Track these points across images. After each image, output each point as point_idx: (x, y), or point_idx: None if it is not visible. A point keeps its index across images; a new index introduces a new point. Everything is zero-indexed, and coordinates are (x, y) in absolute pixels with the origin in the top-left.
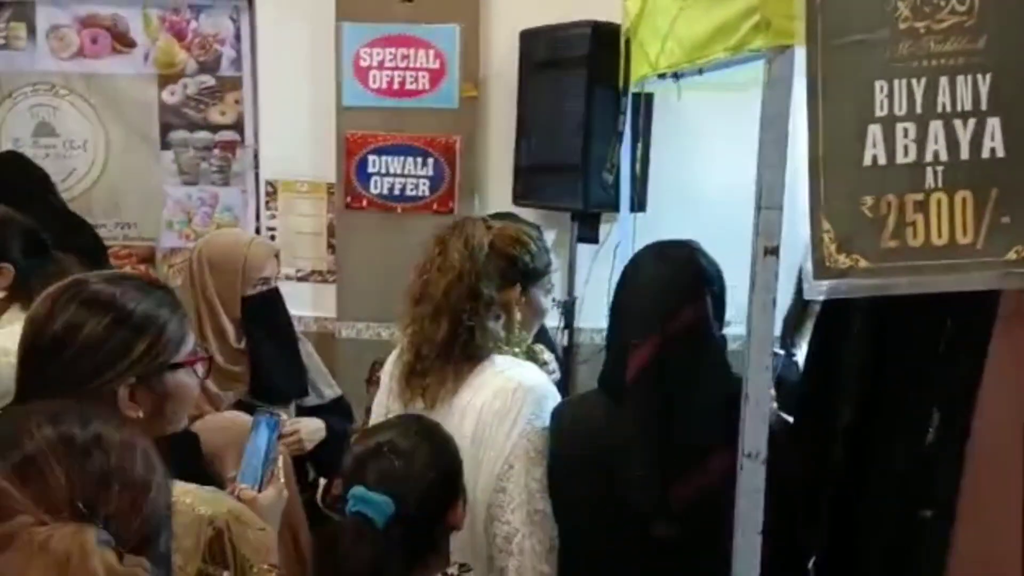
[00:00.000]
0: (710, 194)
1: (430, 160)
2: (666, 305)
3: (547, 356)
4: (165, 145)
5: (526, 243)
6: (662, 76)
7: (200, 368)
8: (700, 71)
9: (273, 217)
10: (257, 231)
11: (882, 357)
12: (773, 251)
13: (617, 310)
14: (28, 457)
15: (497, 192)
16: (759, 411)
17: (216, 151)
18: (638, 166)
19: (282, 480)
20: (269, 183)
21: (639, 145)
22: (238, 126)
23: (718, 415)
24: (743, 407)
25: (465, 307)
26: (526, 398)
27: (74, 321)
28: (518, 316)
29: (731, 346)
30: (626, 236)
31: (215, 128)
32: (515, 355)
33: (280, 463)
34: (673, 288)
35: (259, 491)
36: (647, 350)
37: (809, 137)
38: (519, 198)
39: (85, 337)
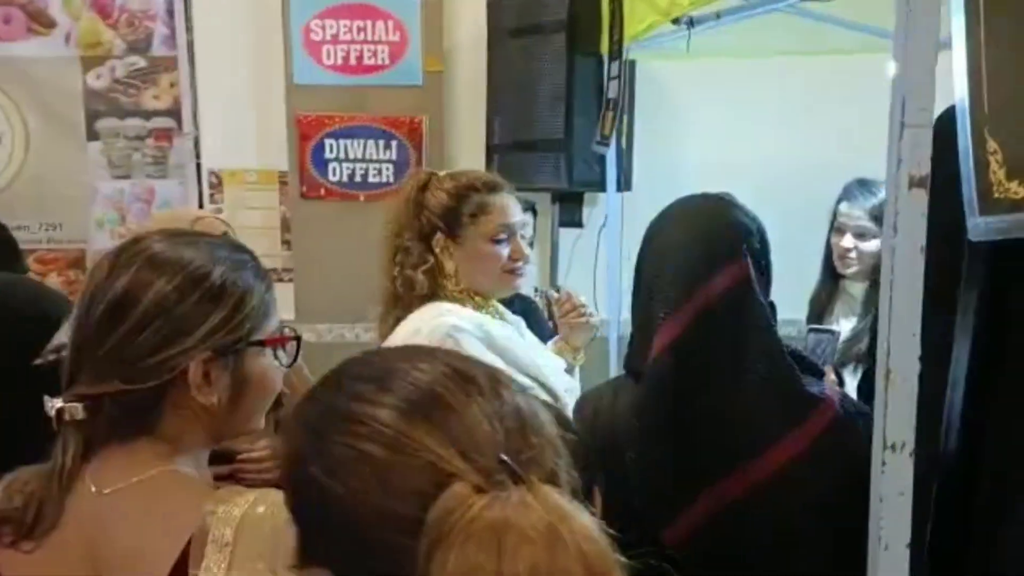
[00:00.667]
0: (698, 172)
1: (394, 142)
2: (698, 268)
3: (510, 318)
4: (92, 135)
5: (447, 188)
6: (675, 21)
7: (288, 351)
8: (718, 15)
9: (219, 212)
10: None
11: None
12: (921, 183)
13: (640, 281)
14: (435, 397)
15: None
16: (906, 390)
17: (150, 140)
18: (623, 140)
19: None
20: (213, 174)
21: (623, 118)
22: (174, 111)
23: (763, 405)
24: (882, 385)
25: (394, 260)
26: (425, 339)
27: (139, 280)
28: (450, 265)
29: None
30: (613, 217)
31: (148, 115)
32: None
33: None
34: (705, 247)
35: None
36: (677, 323)
37: (966, 27)
38: None
39: (152, 299)
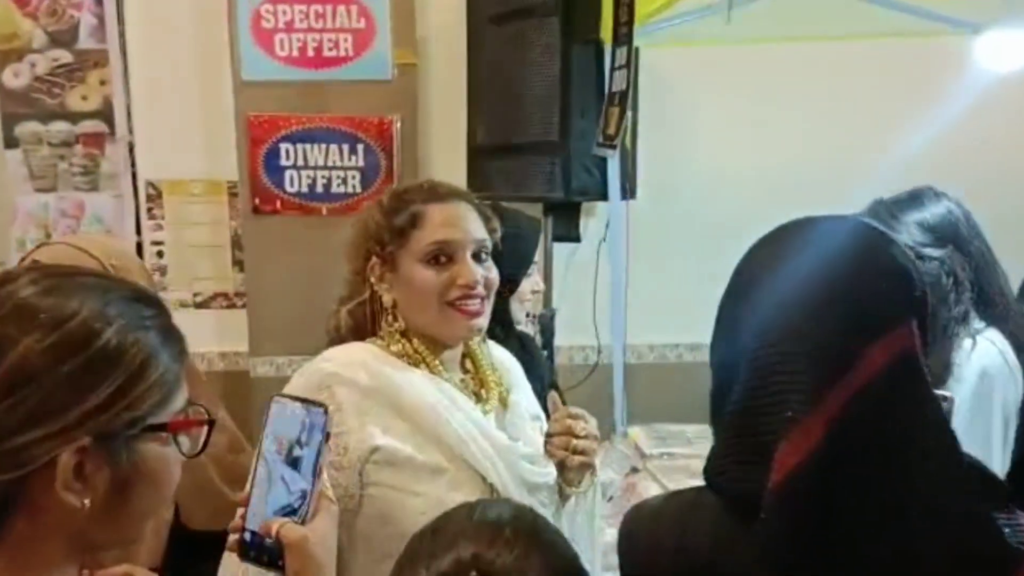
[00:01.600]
0: (711, 178)
1: (360, 147)
2: (847, 341)
3: (499, 372)
4: (10, 142)
5: (382, 201)
6: None
7: (192, 437)
8: None
9: (159, 228)
10: (138, 248)
11: None
12: None
13: (737, 353)
14: None
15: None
16: None
17: (79, 147)
18: (627, 141)
19: (330, 493)
20: (151, 184)
21: (626, 115)
22: (106, 114)
23: (953, 553)
24: None
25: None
26: (301, 390)
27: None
28: (387, 298)
29: None
30: (618, 230)
31: (76, 117)
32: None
33: (325, 476)
34: (855, 308)
35: (305, 522)
36: (816, 424)
37: None
38: (476, 190)
39: (15, 362)
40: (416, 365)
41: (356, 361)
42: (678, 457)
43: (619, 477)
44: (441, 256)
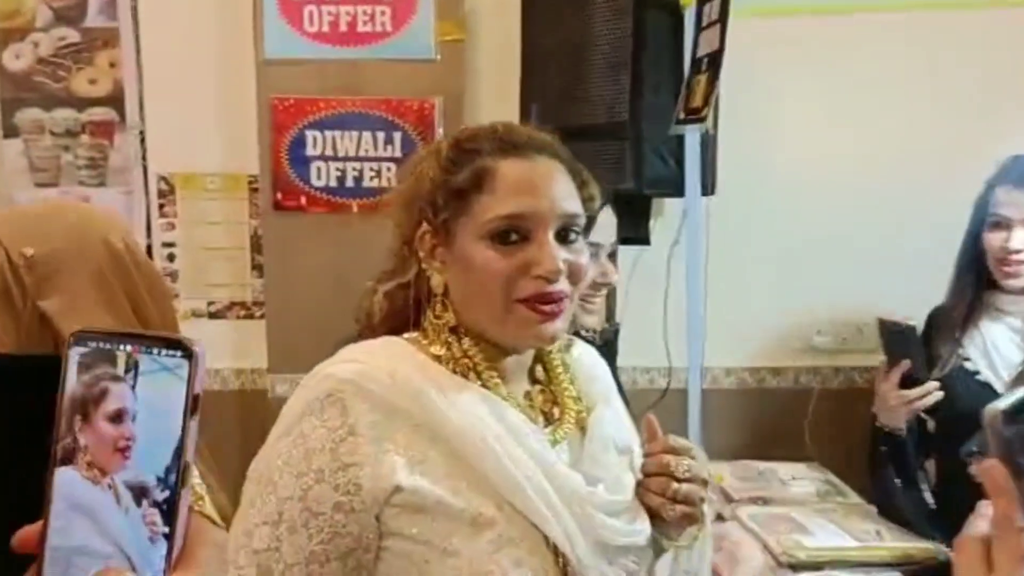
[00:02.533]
0: (799, 168)
1: (397, 135)
2: None
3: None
4: (10, 131)
5: (442, 149)
6: None
7: None
8: None
9: (171, 228)
10: (148, 250)
11: None
12: None
13: None
14: None
15: None
16: None
17: (85, 136)
18: (710, 124)
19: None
20: (163, 179)
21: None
22: (116, 100)
23: None
24: None
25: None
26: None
27: None
28: (436, 279)
29: None
30: (696, 231)
31: (82, 104)
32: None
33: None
34: None
35: None
36: None
37: None
38: None
39: None
40: (464, 374)
41: (382, 366)
42: (774, 503)
43: None
44: (512, 233)
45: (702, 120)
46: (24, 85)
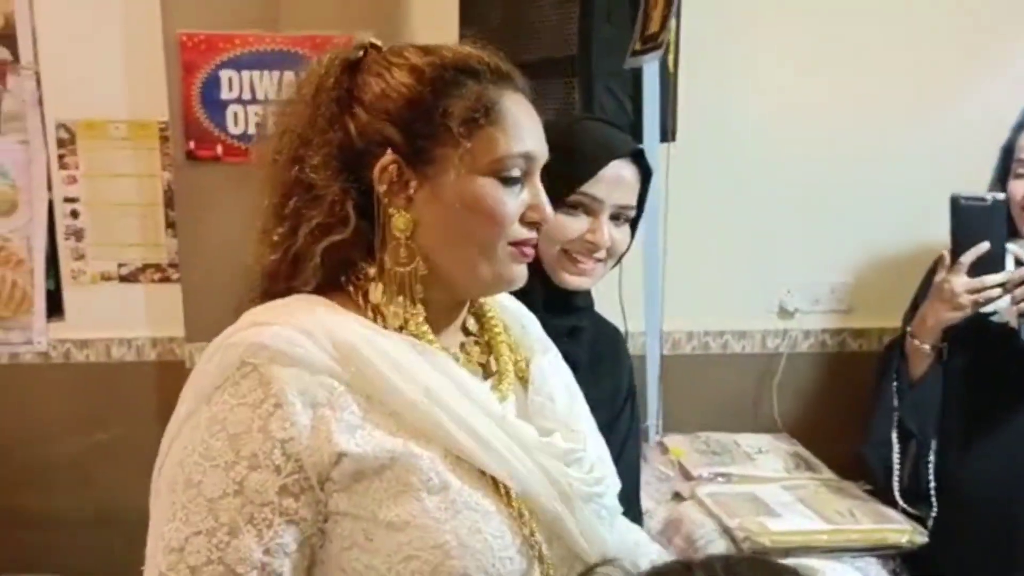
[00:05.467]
0: (770, 115)
1: None
2: None
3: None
4: None
5: (413, 63)
6: None
7: None
8: None
9: (73, 181)
10: (50, 207)
11: None
12: None
13: None
14: None
15: None
16: None
17: None
18: (671, 61)
19: None
20: (63, 126)
21: (669, 35)
22: (7, 38)
23: None
24: None
25: (281, 214)
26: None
27: None
28: (401, 219)
29: None
30: (654, 183)
31: None
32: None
33: None
34: None
35: None
36: None
37: None
38: None
39: None
40: (397, 329)
41: (297, 324)
42: (737, 480)
43: (658, 507)
44: (517, 172)
45: (659, 47)
46: None
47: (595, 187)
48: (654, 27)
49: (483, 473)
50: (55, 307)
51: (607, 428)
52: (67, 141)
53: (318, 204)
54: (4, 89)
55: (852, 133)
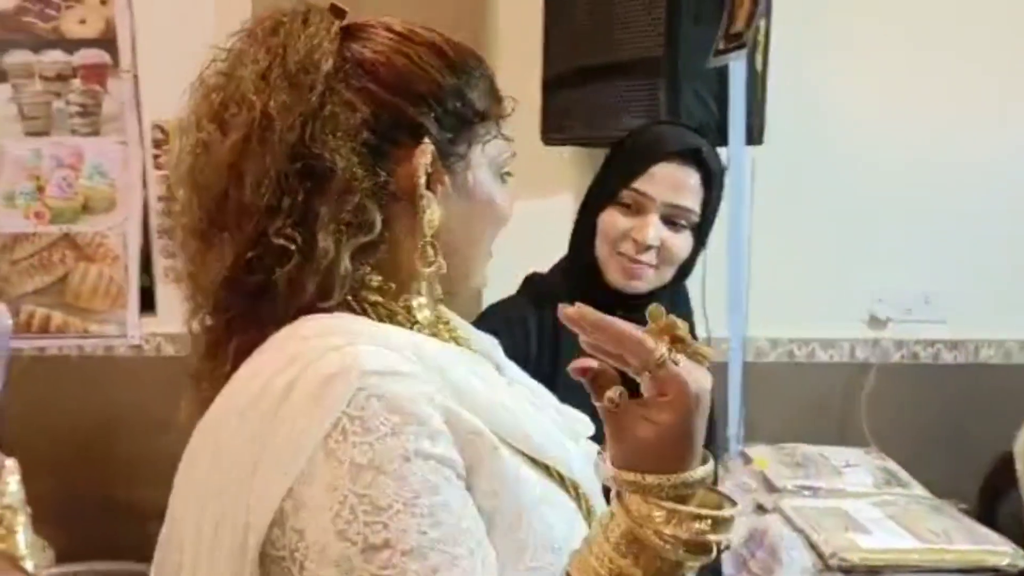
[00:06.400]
0: (867, 117)
1: None
2: None
3: (476, 341)
4: None
5: (435, 42)
6: None
7: None
8: None
9: (167, 180)
10: (144, 207)
11: None
12: None
13: None
14: None
15: (516, 125)
16: None
17: (77, 81)
18: (759, 60)
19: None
20: (159, 127)
21: (757, 35)
22: (108, 41)
23: None
24: None
25: (272, 202)
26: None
27: None
28: (433, 213)
29: None
30: (740, 186)
31: (73, 46)
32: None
33: None
34: None
35: None
36: None
37: None
38: (554, 132)
39: None
40: (436, 335)
41: (376, 338)
42: (824, 494)
43: (740, 518)
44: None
45: (743, 46)
46: (11, 25)
47: (645, 184)
48: (740, 25)
49: (548, 470)
50: (148, 302)
51: None
52: (162, 141)
53: (339, 200)
54: (104, 92)
55: (952, 135)
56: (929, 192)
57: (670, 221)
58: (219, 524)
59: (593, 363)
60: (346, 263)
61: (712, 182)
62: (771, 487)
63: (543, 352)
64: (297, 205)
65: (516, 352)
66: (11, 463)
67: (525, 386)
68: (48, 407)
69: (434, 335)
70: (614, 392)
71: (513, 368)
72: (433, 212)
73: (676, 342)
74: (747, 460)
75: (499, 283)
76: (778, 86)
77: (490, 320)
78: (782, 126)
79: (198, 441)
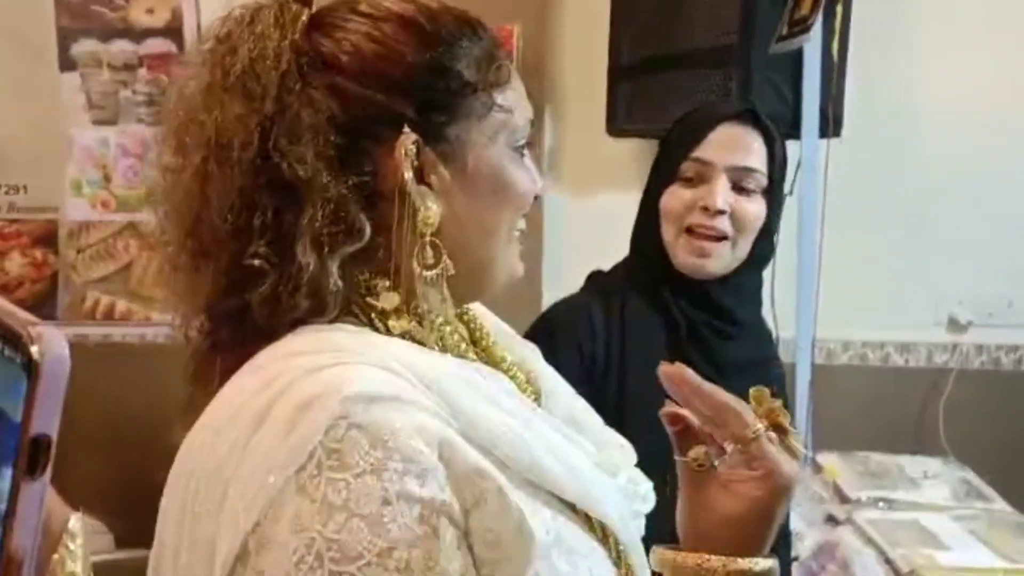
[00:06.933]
0: (945, 114)
1: None
2: None
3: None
4: (67, 64)
5: (404, 17)
6: None
7: None
8: None
9: None
10: None
11: None
12: None
13: None
14: None
15: (582, 112)
16: None
17: (143, 71)
18: (835, 47)
19: None
20: None
21: (834, 22)
22: (174, 30)
23: None
24: None
25: (242, 223)
26: (315, 410)
27: None
28: (432, 210)
29: None
30: (812, 180)
31: (140, 34)
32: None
33: None
34: None
35: None
36: None
37: None
38: (619, 121)
39: None
40: (452, 350)
41: (369, 357)
42: (900, 506)
43: (810, 530)
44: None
45: (806, 31)
46: (80, 15)
47: (704, 150)
48: (804, 9)
49: (574, 508)
50: None
51: None
52: None
53: (312, 210)
54: (171, 81)
55: None
56: (1015, 191)
57: (738, 186)
58: (191, 553)
59: (686, 414)
60: (335, 276)
61: (773, 141)
62: (844, 498)
63: (610, 345)
64: (268, 223)
65: (580, 344)
66: (75, 522)
67: (561, 408)
68: (112, 393)
69: (447, 347)
70: (702, 453)
71: (552, 379)
72: (428, 208)
73: (775, 428)
74: (817, 468)
75: (562, 280)
76: (857, 77)
77: (552, 314)
78: (859, 118)
79: (179, 463)
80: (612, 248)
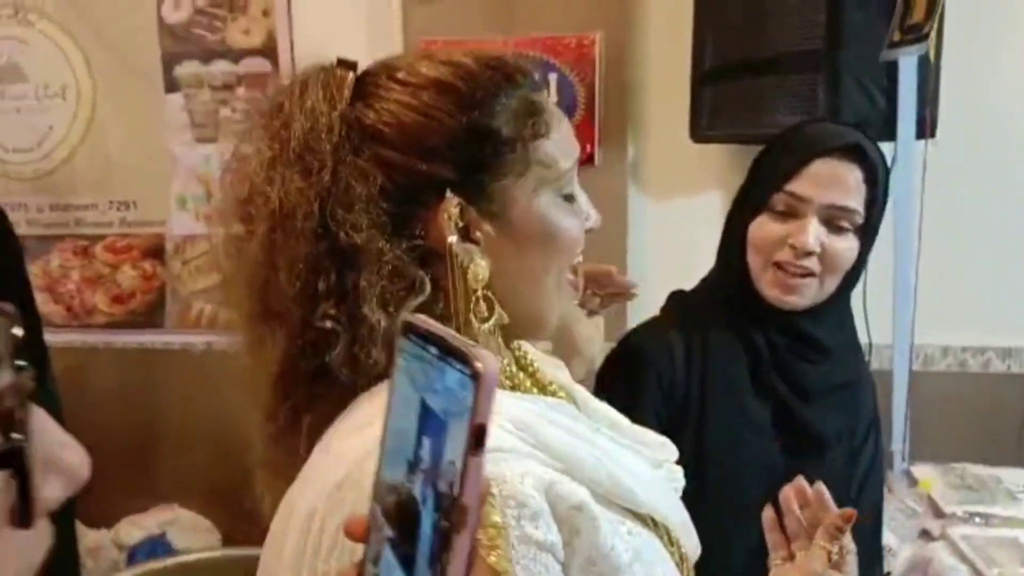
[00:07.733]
0: None
1: (552, 76)
2: None
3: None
4: (171, 85)
5: (441, 82)
6: None
7: None
8: None
9: None
10: None
11: None
12: None
13: None
14: None
15: (665, 123)
16: None
17: (241, 90)
18: (931, 50)
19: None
20: None
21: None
22: (270, 50)
23: None
24: None
25: (310, 287)
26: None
27: None
28: (480, 266)
29: None
30: (908, 183)
31: (238, 55)
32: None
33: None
34: None
35: None
36: None
37: None
38: (704, 129)
39: None
40: (520, 387)
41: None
42: (998, 522)
43: (903, 545)
44: (573, 183)
45: (924, 39)
46: (183, 38)
47: (799, 185)
48: (917, 16)
49: (641, 517)
50: None
51: (847, 463)
52: None
53: (374, 272)
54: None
55: None
56: None
57: (831, 224)
58: None
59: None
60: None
61: (876, 179)
62: (938, 512)
63: (691, 378)
64: (334, 286)
65: (662, 381)
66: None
67: (601, 415)
68: (219, 396)
69: (514, 387)
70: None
71: (584, 391)
72: (477, 264)
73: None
74: (912, 481)
75: (646, 286)
76: (952, 76)
77: (631, 354)
78: (956, 118)
79: (278, 520)
80: (696, 254)
